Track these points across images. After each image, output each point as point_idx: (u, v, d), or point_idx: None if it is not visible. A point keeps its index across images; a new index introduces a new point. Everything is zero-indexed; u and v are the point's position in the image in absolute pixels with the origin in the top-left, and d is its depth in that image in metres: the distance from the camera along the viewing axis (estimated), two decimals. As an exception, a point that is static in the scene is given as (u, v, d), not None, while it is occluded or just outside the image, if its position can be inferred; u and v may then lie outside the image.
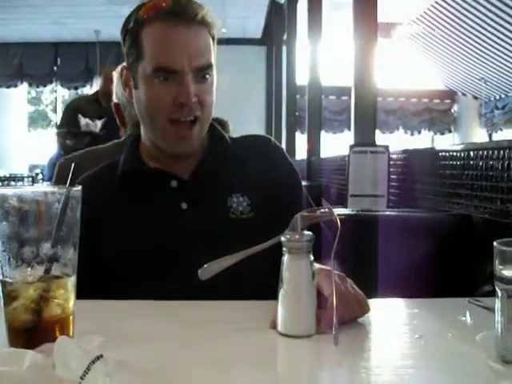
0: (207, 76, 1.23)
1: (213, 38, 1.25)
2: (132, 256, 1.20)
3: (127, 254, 1.20)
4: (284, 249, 0.86)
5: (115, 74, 1.95)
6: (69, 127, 4.39)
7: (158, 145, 1.28)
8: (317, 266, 0.93)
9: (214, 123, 1.36)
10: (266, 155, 1.36)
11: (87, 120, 4.32)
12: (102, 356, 0.60)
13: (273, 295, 0.89)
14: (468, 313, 1.00)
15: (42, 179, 10.03)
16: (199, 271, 0.95)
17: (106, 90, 4.49)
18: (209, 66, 1.22)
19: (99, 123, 4.29)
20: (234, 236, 1.01)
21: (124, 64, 1.31)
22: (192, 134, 1.23)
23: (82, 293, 0.83)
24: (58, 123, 4.79)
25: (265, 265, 1.02)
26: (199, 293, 1.00)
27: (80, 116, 4.33)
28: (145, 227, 1.23)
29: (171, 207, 1.24)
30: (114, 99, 1.97)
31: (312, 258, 0.86)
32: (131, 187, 1.28)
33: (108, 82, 4.53)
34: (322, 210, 0.96)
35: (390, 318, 1.05)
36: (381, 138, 10.43)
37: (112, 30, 9.98)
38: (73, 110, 4.53)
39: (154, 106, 1.22)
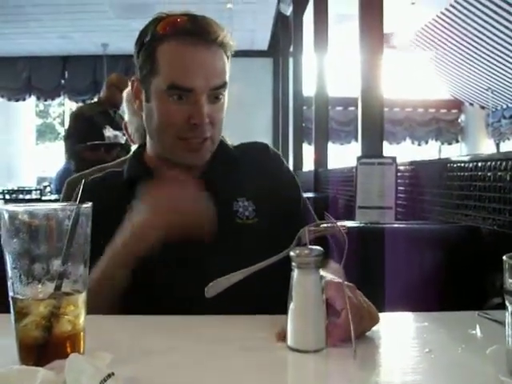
0: (221, 96, 1.24)
1: (228, 58, 1.26)
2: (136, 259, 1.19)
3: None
4: (293, 264, 0.86)
5: (124, 95, 1.99)
6: (91, 140, 4.26)
7: (167, 156, 1.29)
8: (327, 276, 0.93)
9: None
10: (265, 160, 1.38)
11: (114, 131, 4.26)
12: (113, 374, 0.60)
13: (282, 309, 0.89)
14: (478, 326, 1.00)
15: (50, 192, 10.06)
16: (206, 289, 0.95)
17: (110, 97, 4.45)
18: (223, 86, 1.23)
19: (123, 135, 4.18)
20: (241, 240, 1.01)
21: (136, 76, 1.31)
22: (202, 149, 1.25)
23: None
24: (73, 137, 4.54)
25: (273, 279, 1.02)
26: (204, 300, 1.00)
27: (107, 127, 4.28)
28: None
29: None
30: (125, 118, 2.02)
31: (321, 272, 0.86)
32: (136, 192, 1.27)
33: (113, 89, 4.51)
34: (330, 224, 0.96)
35: (400, 332, 1.04)
36: (388, 148, 10.41)
37: (119, 44, 10.06)
38: (88, 123, 4.40)
39: (166, 122, 1.22)
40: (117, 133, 4.25)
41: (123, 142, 4.18)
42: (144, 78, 1.26)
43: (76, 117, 4.73)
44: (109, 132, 4.27)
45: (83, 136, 4.37)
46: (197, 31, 1.19)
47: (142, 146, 1.38)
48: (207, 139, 1.24)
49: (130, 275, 1.14)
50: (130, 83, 1.35)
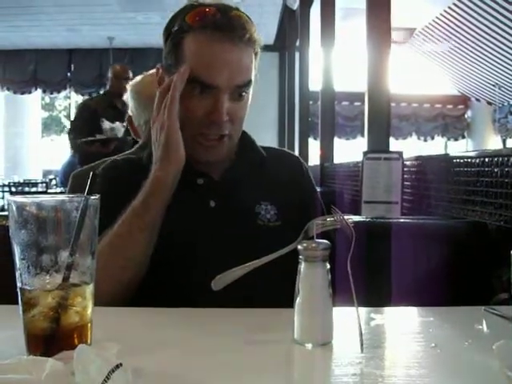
0: (244, 94, 1.22)
1: (255, 54, 1.24)
2: (157, 247, 1.18)
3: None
4: (300, 257, 0.86)
5: (128, 88, 1.98)
6: (92, 134, 4.23)
7: (186, 150, 1.28)
8: None
9: (247, 132, 1.37)
10: (295, 171, 1.40)
11: (111, 124, 4.17)
12: (121, 364, 0.61)
13: (288, 303, 0.89)
14: (484, 321, 0.99)
15: (56, 185, 10.09)
16: (212, 282, 0.95)
17: (117, 90, 4.36)
18: (248, 83, 1.22)
19: (122, 127, 4.15)
20: (261, 242, 1.01)
21: (161, 64, 1.29)
22: (220, 146, 1.24)
23: None
24: (76, 131, 4.52)
25: (281, 272, 1.03)
26: (214, 295, 1.00)
27: (104, 120, 4.19)
28: (172, 220, 1.19)
29: (199, 203, 1.25)
30: (129, 112, 2.00)
31: (328, 266, 0.86)
32: None
33: (119, 81, 4.47)
34: (336, 218, 0.96)
35: (405, 327, 1.04)
36: (394, 143, 10.40)
37: (125, 37, 10.08)
38: (93, 116, 4.36)
39: (185, 116, 1.20)
40: (114, 125, 4.19)
41: (120, 135, 4.13)
42: (168, 67, 1.25)
43: (81, 110, 4.71)
44: (106, 124, 4.20)
45: (86, 129, 4.34)
46: (225, 26, 1.17)
47: None
48: (225, 136, 1.23)
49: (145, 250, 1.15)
50: (155, 70, 1.32)
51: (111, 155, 1.59)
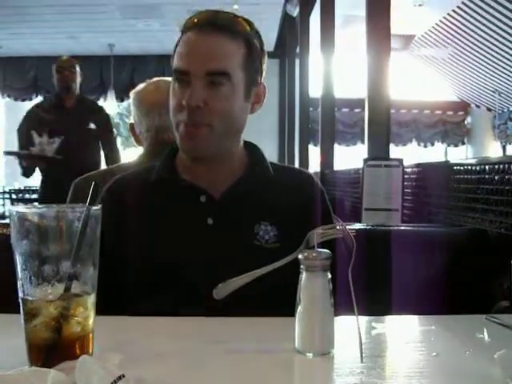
0: (220, 82, 1.21)
1: (249, 50, 1.25)
2: (151, 262, 1.21)
3: (147, 260, 1.22)
4: (301, 266, 0.86)
5: (131, 96, 1.98)
6: (24, 146, 3.81)
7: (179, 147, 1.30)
8: None
9: (257, 146, 1.37)
10: (305, 192, 1.34)
11: (41, 139, 3.67)
12: (123, 376, 0.61)
13: (289, 312, 0.89)
14: (486, 330, 0.99)
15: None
16: (214, 291, 0.95)
17: (63, 84, 4.02)
18: (223, 73, 1.21)
19: (56, 142, 3.68)
20: (255, 263, 1.00)
21: None
22: (197, 136, 1.22)
23: (102, 296, 0.84)
24: (19, 141, 4.05)
25: (282, 282, 1.03)
26: (215, 307, 1.01)
27: (34, 133, 3.68)
28: (169, 236, 1.23)
29: (197, 221, 1.25)
30: (131, 119, 2.01)
31: (330, 275, 0.86)
32: (162, 195, 1.29)
33: (63, 73, 4.03)
34: (338, 227, 0.96)
35: (407, 335, 1.04)
36: (394, 150, 10.40)
37: (126, 44, 10.10)
38: (31, 122, 3.91)
39: (171, 107, 1.25)
40: (41, 139, 3.66)
41: (51, 152, 3.66)
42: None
43: (25, 114, 4.16)
44: (37, 138, 3.68)
45: (19, 138, 4.01)
46: (206, 22, 1.23)
47: (176, 147, 1.35)
48: (202, 127, 1.22)
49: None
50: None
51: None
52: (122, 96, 10.60)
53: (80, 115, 3.99)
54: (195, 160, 1.28)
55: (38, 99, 11.48)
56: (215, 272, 1.05)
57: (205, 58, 1.20)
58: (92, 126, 4.00)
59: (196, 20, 1.24)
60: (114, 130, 4.30)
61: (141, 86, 2.00)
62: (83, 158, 3.79)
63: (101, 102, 10.87)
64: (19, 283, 0.77)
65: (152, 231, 1.25)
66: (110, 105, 10.53)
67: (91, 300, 0.79)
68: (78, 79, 4.15)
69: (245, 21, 1.27)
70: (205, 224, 1.24)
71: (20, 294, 0.77)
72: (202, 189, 1.27)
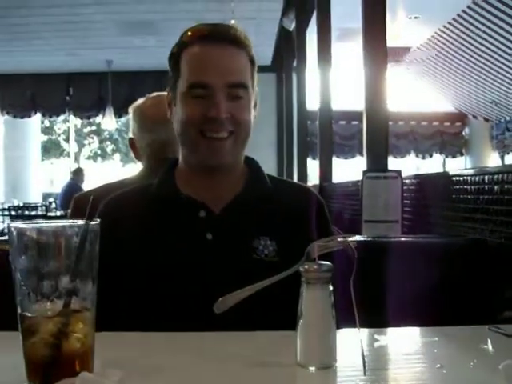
0: (240, 95, 1.25)
1: (252, 63, 1.30)
2: (151, 277, 1.21)
3: (146, 275, 1.21)
4: (302, 279, 0.86)
5: (130, 110, 1.99)
6: None
7: (191, 161, 1.30)
8: None
9: (255, 160, 1.38)
10: (305, 207, 1.35)
11: None
12: (123, 392, 0.60)
13: (291, 326, 0.88)
14: (489, 341, 0.99)
15: (56, 208, 10.08)
16: (215, 305, 0.94)
17: None
18: (242, 85, 1.25)
19: None
20: (254, 277, 0.99)
21: (168, 86, 1.34)
22: (224, 148, 1.25)
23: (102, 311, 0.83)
24: None
25: (282, 296, 1.02)
26: (215, 322, 1.00)
27: None
28: (168, 251, 1.23)
29: (196, 236, 1.25)
30: (130, 134, 2.01)
31: (331, 288, 0.85)
32: (162, 211, 1.29)
33: None
34: (338, 239, 0.95)
35: (410, 347, 1.03)
36: (392, 162, 10.41)
37: (123, 60, 10.14)
38: None
39: (187, 120, 1.24)
40: None
41: None
42: (172, 85, 1.30)
43: None
44: None
45: None
46: (215, 34, 1.26)
47: (175, 161, 1.37)
48: (228, 138, 1.24)
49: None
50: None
51: None
52: (120, 112, 10.62)
53: None
54: (211, 169, 1.28)
55: (37, 116, 11.53)
56: (215, 287, 1.04)
57: (225, 71, 1.24)
58: None
59: (206, 33, 1.26)
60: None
61: (140, 100, 2.01)
62: None
63: (99, 118, 10.95)
64: (18, 299, 0.76)
65: (151, 246, 1.24)
66: (108, 121, 10.54)
67: (91, 316, 0.78)
68: None
69: (242, 31, 1.30)
70: (204, 239, 1.24)
71: (18, 310, 0.76)
72: (201, 203, 1.27)
